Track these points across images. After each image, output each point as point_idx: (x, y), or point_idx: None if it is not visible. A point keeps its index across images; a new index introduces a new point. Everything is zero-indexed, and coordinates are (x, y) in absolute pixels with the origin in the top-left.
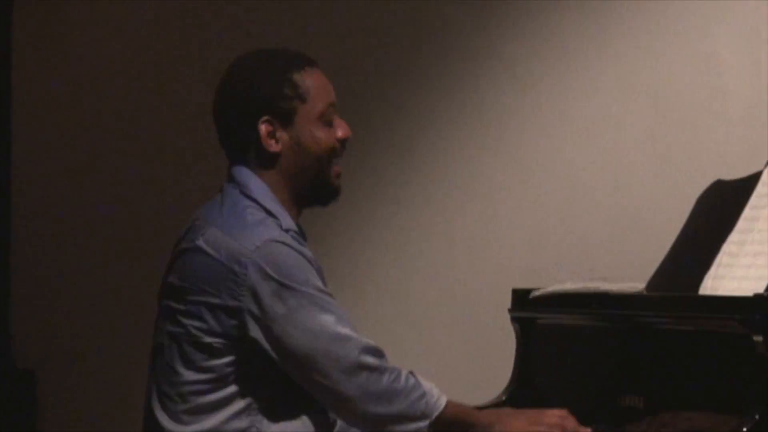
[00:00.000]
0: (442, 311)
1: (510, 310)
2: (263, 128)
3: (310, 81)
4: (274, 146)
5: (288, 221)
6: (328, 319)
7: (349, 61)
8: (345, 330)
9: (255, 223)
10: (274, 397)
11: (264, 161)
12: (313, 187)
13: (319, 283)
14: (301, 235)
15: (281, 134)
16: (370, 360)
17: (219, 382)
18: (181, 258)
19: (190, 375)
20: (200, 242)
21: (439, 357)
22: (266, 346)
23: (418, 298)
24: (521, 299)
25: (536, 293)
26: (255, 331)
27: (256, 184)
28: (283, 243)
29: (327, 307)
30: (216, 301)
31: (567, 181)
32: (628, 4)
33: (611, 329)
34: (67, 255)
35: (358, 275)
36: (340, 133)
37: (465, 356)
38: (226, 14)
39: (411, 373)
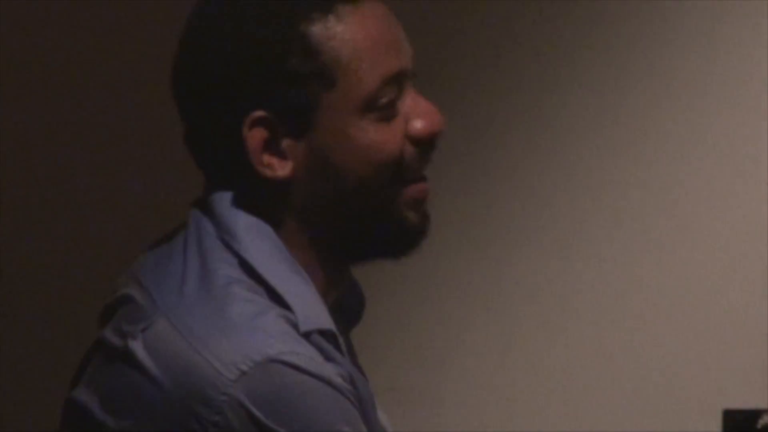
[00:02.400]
0: None
1: None
2: (254, 136)
3: (342, 35)
4: (276, 168)
5: (311, 312)
6: None
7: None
8: None
9: (245, 319)
10: None
11: (262, 191)
12: (366, 233)
13: None
14: (335, 337)
15: (289, 144)
16: None
17: None
18: (103, 368)
19: None
20: (136, 345)
21: None
22: None
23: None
24: (740, 428)
25: None
26: None
27: (250, 229)
28: (296, 367)
29: None
30: None
31: None
32: None
33: None
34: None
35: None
36: (419, 126)
37: None
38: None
39: None
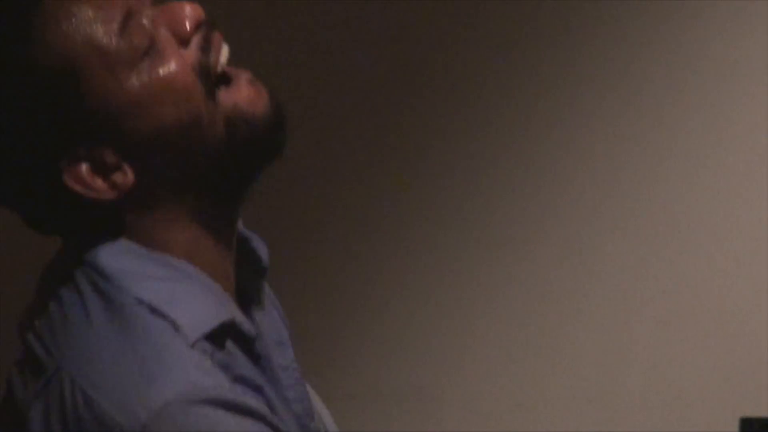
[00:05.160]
0: None
1: None
2: (76, 176)
3: (48, 40)
4: (120, 181)
5: (200, 314)
6: None
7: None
8: None
9: (141, 360)
10: None
11: (118, 211)
12: (228, 160)
13: None
14: (232, 325)
15: (110, 155)
16: None
17: None
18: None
19: None
20: (34, 411)
21: None
22: None
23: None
24: None
25: None
26: None
27: (114, 259)
28: (197, 402)
29: None
30: None
31: None
32: None
33: None
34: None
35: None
36: (171, 28)
37: None
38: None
39: None
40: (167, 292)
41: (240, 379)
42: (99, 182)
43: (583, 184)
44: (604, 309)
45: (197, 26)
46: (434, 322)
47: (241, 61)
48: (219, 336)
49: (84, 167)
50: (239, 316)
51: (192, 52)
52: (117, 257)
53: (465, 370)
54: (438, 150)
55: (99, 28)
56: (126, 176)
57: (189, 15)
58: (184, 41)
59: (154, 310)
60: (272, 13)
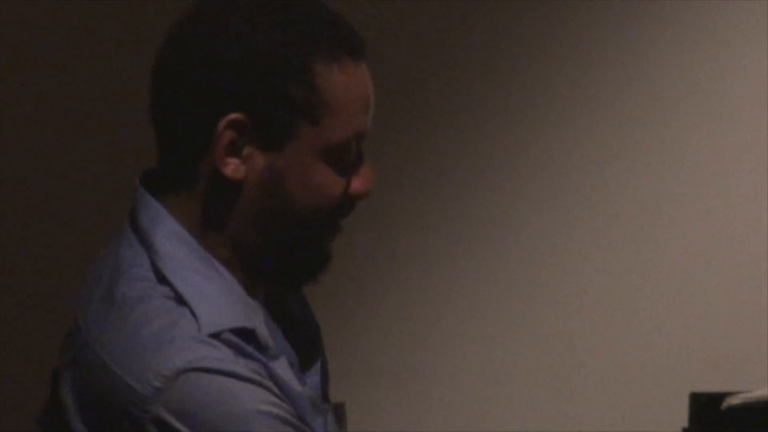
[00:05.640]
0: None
1: (686, 431)
2: (226, 134)
3: (339, 84)
4: (233, 167)
5: (221, 312)
6: None
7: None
8: None
9: (157, 336)
10: None
11: (210, 185)
12: (285, 258)
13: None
14: (251, 332)
15: (251, 153)
16: None
17: None
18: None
19: None
20: (64, 380)
21: None
22: None
23: (538, 404)
24: (706, 411)
25: (733, 400)
26: None
27: (167, 238)
28: (204, 370)
29: None
30: None
31: None
32: None
33: None
34: None
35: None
36: (361, 187)
37: None
38: None
39: None
40: (200, 287)
41: (246, 355)
42: (226, 153)
43: (563, 181)
44: (567, 295)
45: (365, 196)
46: (421, 310)
47: None
48: (237, 336)
49: (232, 135)
50: (261, 329)
51: (346, 201)
52: (172, 240)
53: (448, 351)
54: (428, 145)
55: (360, 109)
56: (237, 172)
57: (369, 185)
58: (352, 187)
59: (179, 299)
60: None
